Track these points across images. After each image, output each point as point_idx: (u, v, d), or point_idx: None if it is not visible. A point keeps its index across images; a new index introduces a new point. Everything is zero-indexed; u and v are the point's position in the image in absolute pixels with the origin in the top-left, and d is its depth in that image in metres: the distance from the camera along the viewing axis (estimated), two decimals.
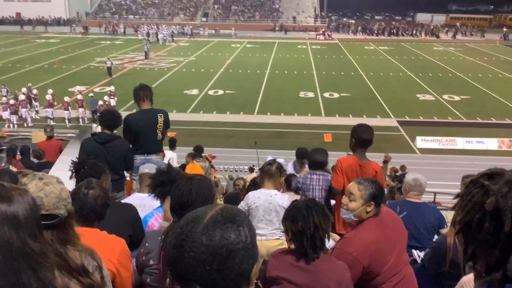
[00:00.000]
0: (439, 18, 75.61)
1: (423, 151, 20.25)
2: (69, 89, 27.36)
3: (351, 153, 5.15)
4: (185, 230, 1.28)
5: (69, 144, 6.83)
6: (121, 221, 3.50)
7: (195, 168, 9.63)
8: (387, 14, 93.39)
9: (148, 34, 51.17)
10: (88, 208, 2.76)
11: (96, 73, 33.47)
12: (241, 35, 56.12)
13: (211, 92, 29.42)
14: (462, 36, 59.77)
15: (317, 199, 5.13)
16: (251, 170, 14.27)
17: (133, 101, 6.32)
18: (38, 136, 17.12)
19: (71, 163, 3.69)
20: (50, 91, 23.72)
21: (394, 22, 66.00)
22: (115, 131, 5.76)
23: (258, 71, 35.59)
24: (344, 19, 73.97)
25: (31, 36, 53.91)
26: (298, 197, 5.27)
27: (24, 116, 22.91)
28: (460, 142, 20.87)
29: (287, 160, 8.09)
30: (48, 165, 8.63)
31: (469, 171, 1.21)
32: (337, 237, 3.43)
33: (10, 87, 26.78)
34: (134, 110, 6.50)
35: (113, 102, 24.06)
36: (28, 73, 33.79)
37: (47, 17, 64.58)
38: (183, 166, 10.88)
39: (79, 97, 23.81)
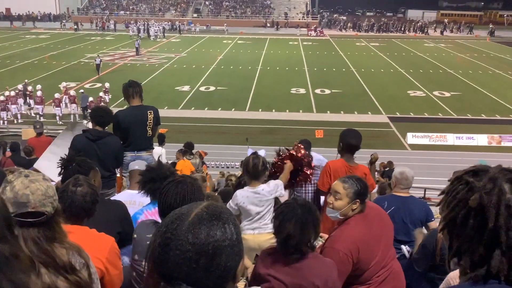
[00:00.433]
0: (430, 15, 75.91)
1: (414, 147, 20.36)
2: (59, 86, 27.14)
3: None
4: (170, 228, 1.27)
5: (59, 136, 6.77)
6: (110, 218, 3.48)
7: (185, 164, 9.62)
8: (378, 10, 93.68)
9: (138, 30, 50.82)
10: (77, 205, 2.74)
11: (87, 69, 33.24)
12: (232, 31, 55.97)
13: (202, 89, 29.34)
14: (449, 33, 59.92)
15: (309, 194, 5.14)
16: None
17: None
18: (28, 133, 16.98)
19: (60, 160, 3.67)
20: (38, 87, 23.56)
21: (383, 19, 66.10)
22: (106, 128, 5.73)
23: (249, 68, 35.55)
24: (335, 15, 74.00)
25: (21, 32, 53.46)
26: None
27: (14, 113, 22.76)
28: (451, 138, 20.99)
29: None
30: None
31: (459, 167, 1.22)
32: (326, 236, 3.43)
33: (0, 83, 26.58)
34: (126, 107, 6.47)
35: (107, 99, 23.91)
36: (18, 69, 33.52)
37: (37, 12, 64.03)
38: (174, 164, 10.87)
39: (72, 93, 23.69)
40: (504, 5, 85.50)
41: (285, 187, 5.36)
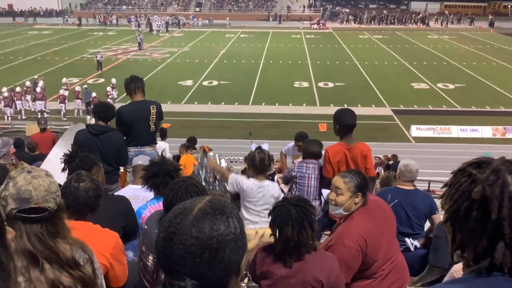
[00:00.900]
0: (434, 6, 75.34)
1: (418, 139, 20.31)
2: (62, 81, 27.18)
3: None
4: (174, 222, 1.28)
5: (62, 136, 6.78)
6: (114, 213, 3.49)
7: (188, 159, 9.64)
8: (381, 2, 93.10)
9: (139, 25, 50.64)
10: (80, 201, 2.75)
11: (90, 64, 33.25)
12: (235, 25, 55.84)
13: (205, 83, 29.33)
14: (449, 24, 59.47)
15: (312, 188, 5.14)
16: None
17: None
18: (32, 129, 17.03)
19: (63, 156, 3.67)
20: (40, 83, 23.61)
21: (385, 11, 65.71)
22: (109, 123, 5.74)
23: (252, 61, 35.49)
24: (337, 8, 73.63)
25: (24, 28, 53.49)
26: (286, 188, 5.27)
27: (19, 109, 22.84)
28: (455, 130, 20.93)
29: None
30: (41, 158, 8.61)
31: (464, 159, 1.21)
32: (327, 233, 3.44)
33: (3, 79, 26.64)
34: (128, 102, 6.47)
35: (114, 94, 23.88)
36: (21, 65, 33.59)
37: (39, 8, 64.01)
38: (177, 157, 10.89)
39: (77, 88, 23.75)
40: None
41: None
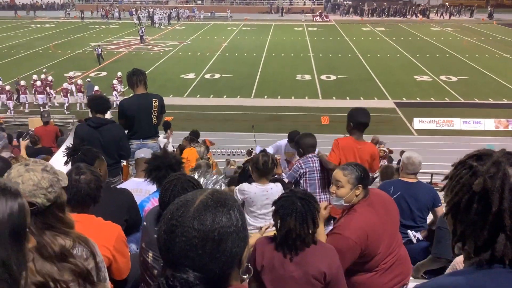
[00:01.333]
0: None
1: (420, 132, 20.28)
2: (65, 75, 27.20)
3: (348, 135, 5.20)
4: (176, 215, 1.28)
5: (68, 138, 6.78)
6: (117, 206, 3.51)
7: (191, 152, 9.70)
8: None
9: (139, 18, 50.45)
10: (82, 193, 2.77)
11: (92, 58, 33.18)
12: (237, 17, 55.67)
13: (207, 76, 29.29)
14: (450, 16, 59.01)
15: (321, 180, 5.14)
16: (249, 153, 14.29)
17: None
18: (35, 122, 17.10)
19: (65, 149, 3.69)
20: (42, 76, 23.62)
21: (385, 3, 65.27)
22: (107, 116, 5.74)
23: (254, 54, 35.40)
24: (339, 0, 73.17)
25: (25, 21, 53.42)
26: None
27: (22, 102, 22.90)
28: (457, 123, 20.88)
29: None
30: (44, 151, 8.64)
31: (466, 152, 1.21)
32: (325, 204, 3.43)
33: (6, 73, 26.66)
34: (131, 95, 6.47)
35: (120, 87, 23.71)
36: (23, 58, 33.58)
37: (41, 1, 63.86)
38: (181, 148, 10.95)
39: (79, 81, 23.75)
40: None
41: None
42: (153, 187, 3.89)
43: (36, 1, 63.38)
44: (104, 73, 29.20)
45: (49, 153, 8.04)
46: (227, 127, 20.37)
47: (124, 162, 6.39)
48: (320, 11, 58.62)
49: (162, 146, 11.18)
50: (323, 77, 29.02)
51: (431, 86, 26.98)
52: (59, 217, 2.02)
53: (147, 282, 2.80)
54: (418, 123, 20.81)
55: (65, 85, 22.96)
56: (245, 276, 1.39)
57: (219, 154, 16.89)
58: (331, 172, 4.62)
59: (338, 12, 61.86)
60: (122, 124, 5.98)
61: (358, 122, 5.02)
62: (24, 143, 6.94)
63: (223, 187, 4.09)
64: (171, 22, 52.14)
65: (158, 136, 6.55)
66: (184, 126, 17.44)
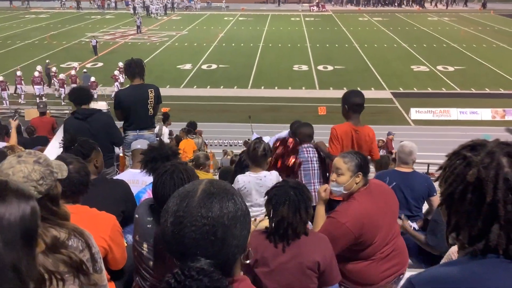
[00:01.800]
0: None
1: (417, 122, 20.32)
2: (61, 65, 27.08)
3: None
4: (181, 206, 1.30)
5: (57, 134, 6.75)
6: (114, 198, 3.51)
7: (189, 143, 9.70)
8: None
9: (134, 8, 50.10)
10: (75, 182, 2.75)
11: (87, 49, 33.03)
12: (233, 8, 55.41)
13: (204, 67, 29.21)
14: (443, 6, 58.86)
15: (316, 170, 5.12)
16: (246, 144, 14.29)
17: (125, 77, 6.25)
18: (31, 114, 17.06)
19: (61, 141, 3.68)
20: (38, 67, 23.54)
21: None
22: (102, 107, 5.72)
23: (251, 45, 35.29)
24: None
25: (21, 11, 53.04)
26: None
27: (19, 93, 22.81)
28: (454, 113, 20.93)
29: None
30: (40, 140, 8.61)
31: (463, 142, 1.21)
32: (326, 186, 3.44)
33: (2, 64, 26.52)
34: (127, 86, 6.45)
35: (122, 78, 23.47)
36: (18, 49, 33.41)
37: None
38: (178, 138, 10.94)
39: (73, 72, 23.65)
40: None
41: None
42: (150, 178, 3.86)
43: None
44: (100, 64, 29.07)
45: (46, 142, 8.01)
46: (224, 118, 20.35)
47: (120, 153, 6.38)
48: (317, 1, 58.34)
49: (166, 136, 11.19)
50: (320, 67, 28.97)
51: (428, 76, 26.98)
52: (53, 210, 2.01)
53: (143, 275, 2.78)
54: (415, 113, 20.84)
55: (61, 75, 22.87)
56: (247, 262, 1.41)
57: (216, 145, 16.89)
58: (331, 163, 4.61)
59: (333, 2, 61.55)
60: (118, 115, 5.96)
61: (352, 103, 4.86)
62: (14, 123, 6.85)
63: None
64: (167, 12, 51.86)
65: (155, 127, 6.54)
66: (181, 117, 17.40)
